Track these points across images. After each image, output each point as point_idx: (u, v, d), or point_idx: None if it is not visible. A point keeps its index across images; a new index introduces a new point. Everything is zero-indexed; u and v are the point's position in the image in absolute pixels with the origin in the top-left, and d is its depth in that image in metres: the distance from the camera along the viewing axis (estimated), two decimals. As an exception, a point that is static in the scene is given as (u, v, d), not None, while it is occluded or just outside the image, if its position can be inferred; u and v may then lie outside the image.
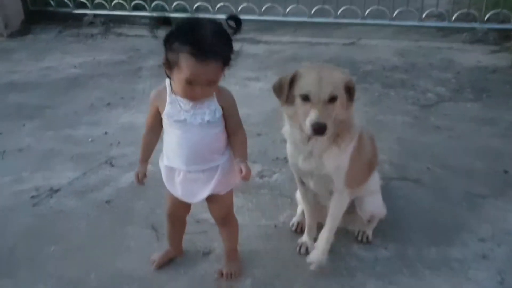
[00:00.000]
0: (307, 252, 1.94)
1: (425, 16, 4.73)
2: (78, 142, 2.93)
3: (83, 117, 3.26)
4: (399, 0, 4.73)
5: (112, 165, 2.64)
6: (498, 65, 4.01)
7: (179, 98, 1.57)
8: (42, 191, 2.42)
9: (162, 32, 1.51)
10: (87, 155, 2.77)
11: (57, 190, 2.42)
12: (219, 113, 1.59)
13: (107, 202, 2.31)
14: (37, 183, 2.49)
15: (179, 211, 1.82)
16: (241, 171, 1.56)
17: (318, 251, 1.85)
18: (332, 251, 1.95)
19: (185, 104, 1.56)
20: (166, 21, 1.53)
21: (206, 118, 1.57)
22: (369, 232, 2.03)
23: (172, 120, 1.59)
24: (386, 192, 2.29)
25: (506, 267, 1.87)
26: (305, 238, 2.00)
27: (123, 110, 3.36)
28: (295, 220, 2.14)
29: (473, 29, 4.63)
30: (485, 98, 3.43)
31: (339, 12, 4.84)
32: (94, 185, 2.47)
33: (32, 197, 2.37)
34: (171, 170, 1.67)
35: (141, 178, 1.70)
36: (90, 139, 2.95)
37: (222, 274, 1.83)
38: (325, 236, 1.86)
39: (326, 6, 4.86)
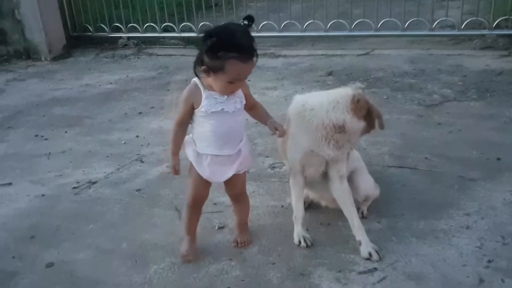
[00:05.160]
0: (307, 242, 2.08)
1: (437, 26, 4.96)
2: (112, 144, 3.31)
3: (117, 124, 3.66)
4: (410, 12, 4.99)
5: (142, 162, 3.00)
6: (505, 68, 4.19)
7: (212, 92, 1.83)
8: (82, 183, 2.78)
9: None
10: (121, 154, 3.13)
11: (94, 182, 2.78)
12: (244, 100, 1.90)
13: (137, 190, 2.65)
14: (77, 177, 2.86)
15: (201, 197, 2.06)
16: (276, 129, 1.92)
17: (366, 244, 2.00)
18: (330, 223, 2.23)
19: (219, 96, 1.84)
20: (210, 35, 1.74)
21: (238, 106, 1.88)
22: (364, 209, 2.27)
23: (210, 111, 1.84)
24: (383, 178, 2.56)
25: (486, 235, 2.08)
26: (302, 232, 2.10)
27: (153, 118, 3.74)
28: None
29: (483, 36, 4.83)
30: (488, 97, 3.63)
31: (353, 25, 5.14)
32: (127, 177, 2.82)
33: (74, 188, 2.73)
34: (199, 155, 1.92)
35: (178, 169, 1.96)
36: (123, 142, 3.33)
37: (237, 243, 2.11)
38: (357, 227, 2.03)
39: (341, 20, 5.17)
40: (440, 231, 2.13)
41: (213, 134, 1.87)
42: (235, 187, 2.07)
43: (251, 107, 1.99)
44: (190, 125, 1.95)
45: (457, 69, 4.26)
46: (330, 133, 1.95)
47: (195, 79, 1.86)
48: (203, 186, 2.02)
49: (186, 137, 1.97)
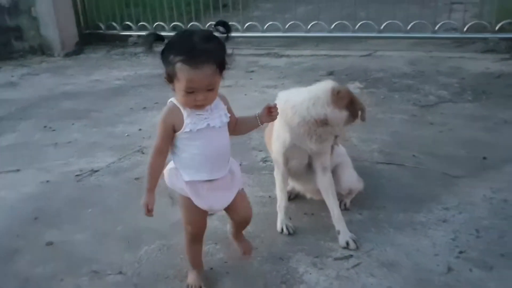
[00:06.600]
0: (289, 230, 2.20)
1: (440, 29, 5.03)
2: (116, 136, 3.47)
3: (123, 118, 3.82)
4: (413, 14, 5.08)
5: (143, 153, 3.15)
6: (505, 71, 4.27)
7: (192, 109, 1.63)
8: (85, 171, 2.94)
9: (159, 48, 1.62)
10: (123, 146, 3.29)
11: (96, 171, 2.94)
12: (227, 113, 1.72)
13: (136, 179, 2.80)
14: (81, 166, 3.02)
15: (200, 229, 1.88)
16: (269, 110, 1.75)
17: (344, 233, 2.10)
18: (314, 214, 2.35)
19: (202, 112, 1.64)
20: (159, 38, 1.62)
21: (224, 119, 1.69)
22: (347, 201, 2.38)
23: (195, 130, 1.64)
24: (371, 173, 2.66)
25: (461, 228, 2.17)
26: (285, 220, 2.21)
27: (156, 112, 3.88)
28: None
29: (485, 39, 4.90)
30: (484, 99, 3.71)
31: (356, 26, 5.25)
32: (127, 167, 2.97)
33: (76, 175, 2.89)
34: (193, 184, 1.72)
35: (151, 208, 1.74)
36: (126, 134, 3.49)
37: (244, 253, 2.01)
38: (337, 217, 2.13)
39: (345, 22, 5.28)
40: (418, 223, 2.23)
41: (200, 156, 1.68)
42: (240, 210, 1.88)
43: (235, 122, 1.80)
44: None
45: (456, 71, 4.34)
46: (312, 128, 2.03)
47: (172, 99, 1.67)
48: (200, 217, 1.83)
49: (167, 168, 1.80)
